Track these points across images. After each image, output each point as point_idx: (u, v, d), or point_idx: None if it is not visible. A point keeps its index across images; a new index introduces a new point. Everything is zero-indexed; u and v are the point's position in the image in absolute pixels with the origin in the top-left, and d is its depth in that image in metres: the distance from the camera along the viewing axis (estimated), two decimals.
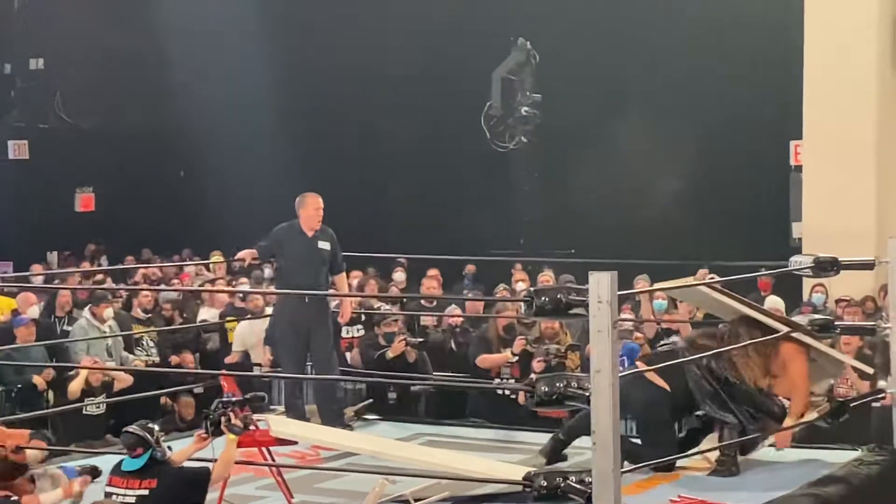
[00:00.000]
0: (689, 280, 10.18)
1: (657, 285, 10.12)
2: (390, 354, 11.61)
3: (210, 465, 7.04)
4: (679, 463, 8.59)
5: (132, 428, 6.99)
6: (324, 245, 10.39)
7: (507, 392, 10.65)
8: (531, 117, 19.03)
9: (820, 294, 13.90)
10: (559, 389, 6.41)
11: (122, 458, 7.04)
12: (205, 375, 12.32)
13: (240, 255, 11.09)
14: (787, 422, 8.75)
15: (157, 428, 7.03)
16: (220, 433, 7.13)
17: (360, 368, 11.51)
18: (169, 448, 7.12)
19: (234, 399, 7.26)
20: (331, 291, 10.58)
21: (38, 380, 12.26)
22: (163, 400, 12.51)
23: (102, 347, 13.07)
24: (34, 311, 13.55)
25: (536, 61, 19.19)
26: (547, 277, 14.21)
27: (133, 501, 6.79)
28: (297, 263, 10.30)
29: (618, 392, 6.12)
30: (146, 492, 6.78)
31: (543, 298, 6.52)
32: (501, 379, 10.94)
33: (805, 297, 14.12)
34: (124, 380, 12.06)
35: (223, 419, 7.11)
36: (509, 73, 19.20)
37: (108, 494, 6.93)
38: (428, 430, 10.19)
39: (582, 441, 9.42)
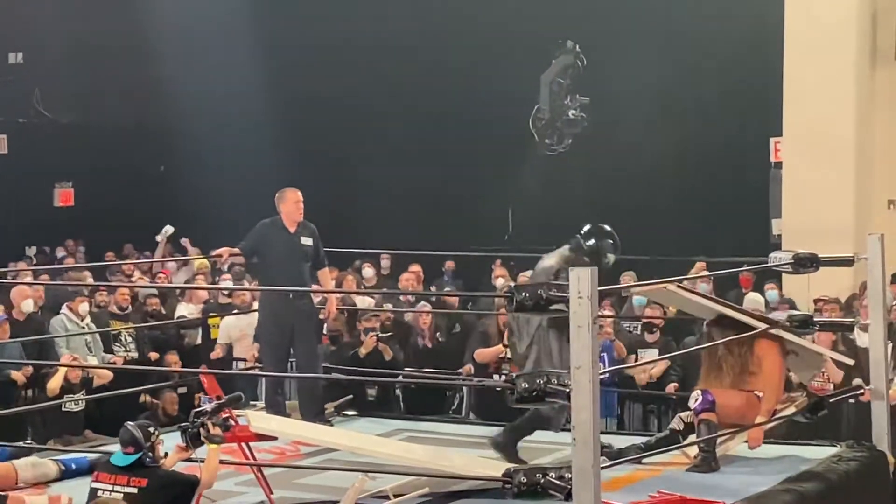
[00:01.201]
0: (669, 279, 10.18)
1: (632, 283, 10.11)
2: (363, 352, 11.70)
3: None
4: (659, 458, 8.63)
5: (131, 424, 6.95)
6: (306, 241, 10.36)
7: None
8: (579, 120, 18.99)
9: (772, 290, 14.01)
10: (539, 386, 6.40)
11: (112, 452, 7.00)
12: (186, 373, 12.33)
13: (218, 251, 11.03)
14: (760, 418, 8.78)
15: (156, 431, 6.98)
16: (201, 444, 7.09)
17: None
18: (165, 454, 7.08)
19: (209, 408, 7.18)
20: (314, 287, 10.58)
21: (16, 375, 12.24)
22: (142, 398, 12.50)
23: (82, 343, 13.07)
24: (29, 305, 13.49)
25: (584, 64, 19.16)
26: (526, 277, 14.23)
27: (120, 498, 6.72)
28: (279, 259, 10.25)
29: (598, 388, 6.12)
30: (135, 489, 6.73)
31: (524, 294, 6.53)
32: (501, 375, 10.98)
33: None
34: (104, 376, 12.01)
35: (202, 430, 7.07)
36: (558, 77, 19.17)
37: (93, 490, 6.85)
38: (407, 427, 10.18)
39: (561, 437, 9.53)
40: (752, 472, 8.63)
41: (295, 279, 10.14)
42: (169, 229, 17.25)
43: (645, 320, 12.39)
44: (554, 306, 6.50)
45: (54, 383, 11.71)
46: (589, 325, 6.14)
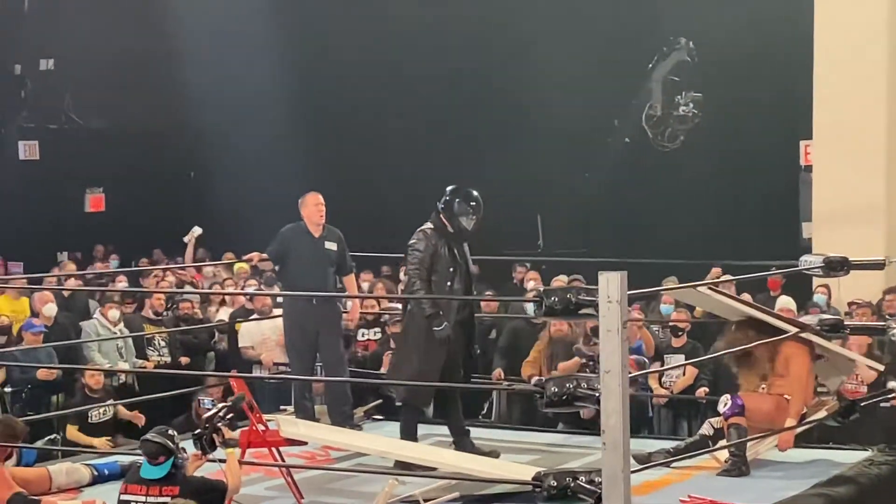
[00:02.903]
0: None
1: (666, 286, 10.07)
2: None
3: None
4: (689, 463, 8.61)
5: (152, 436, 6.97)
6: (330, 246, 10.34)
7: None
8: (690, 117, 18.94)
9: (822, 295, 13.88)
10: (569, 390, 6.39)
11: (134, 465, 7.02)
12: (216, 377, 12.37)
13: (249, 256, 11.07)
14: (789, 421, 8.76)
15: (175, 434, 7.02)
16: (215, 449, 7.11)
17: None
18: (184, 450, 7.11)
19: (219, 413, 7.19)
20: (337, 293, 10.57)
21: (42, 374, 12.29)
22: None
23: (113, 348, 13.14)
24: (51, 309, 13.57)
25: (696, 61, 19.10)
26: (560, 281, 14.24)
27: None
28: (304, 264, 10.24)
29: (627, 393, 6.11)
30: (167, 499, 6.76)
31: (553, 298, 6.52)
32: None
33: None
34: (137, 418, 11.96)
35: (216, 437, 7.09)
36: (671, 74, 19.12)
37: (124, 502, 6.89)
38: (437, 431, 10.13)
39: (592, 440, 9.53)
40: (782, 476, 8.61)
41: (319, 284, 10.12)
42: (197, 230, 17.31)
43: (672, 323, 12.32)
44: (583, 310, 6.49)
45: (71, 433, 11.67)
46: (618, 329, 6.13)
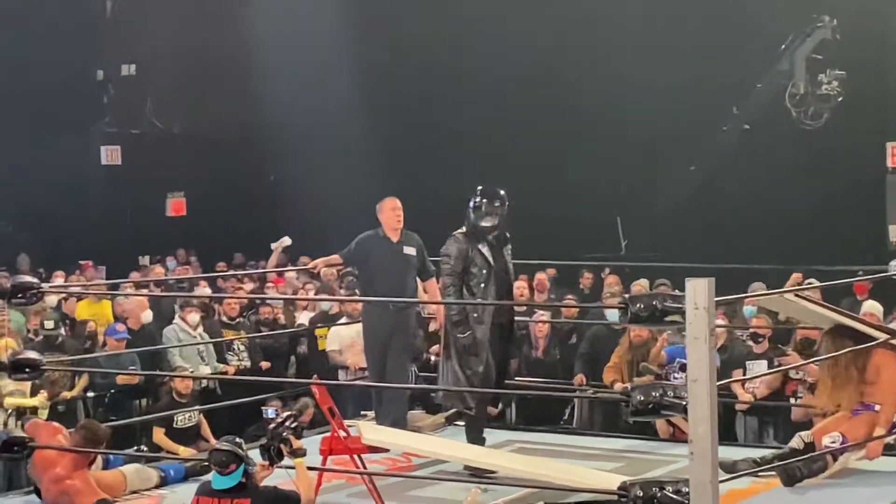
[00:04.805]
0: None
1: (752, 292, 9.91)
2: None
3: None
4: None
5: (222, 445, 6.94)
6: (409, 250, 10.26)
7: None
8: (833, 95, 18.72)
9: None
10: (655, 399, 6.29)
11: (204, 477, 6.99)
12: (296, 382, 12.35)
13: (313, 263, 11.05)
14: (878, 430, 8.60)
15: (243, 442, 6.99)
16: (282, 459, 7.07)
17: None
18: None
19: (284, 423, 7.15)
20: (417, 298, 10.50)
21: (123, 378, 12.37)
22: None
23: (194, 352, 13.19)
24: (148, 317, 13.68)
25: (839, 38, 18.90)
26: (641, 286, 14.11)
27: None
28: (382, 269, 10.17)
29: (716, 402, 5.99)
30: None
31: (639, 305, 6.42)
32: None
33: None
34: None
35: (283, 447, 7.05)
36: (813, 52, 18.93)
37: None
38: (518, 437, 10.09)
39: (676, 447, 9.42)
40: (870, 485, 8.46)
41: (398, 289, 10.02)
42: (286, 240, 17.31)
43: (753, 330, 12.13)
44: (669, 318, 6.39)
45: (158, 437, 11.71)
46: (706, 336, 6.01)
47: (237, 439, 7.03)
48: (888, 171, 16.64)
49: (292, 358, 14.56)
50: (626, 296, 6.52)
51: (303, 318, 14.71)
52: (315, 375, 13.18)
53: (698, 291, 6.02)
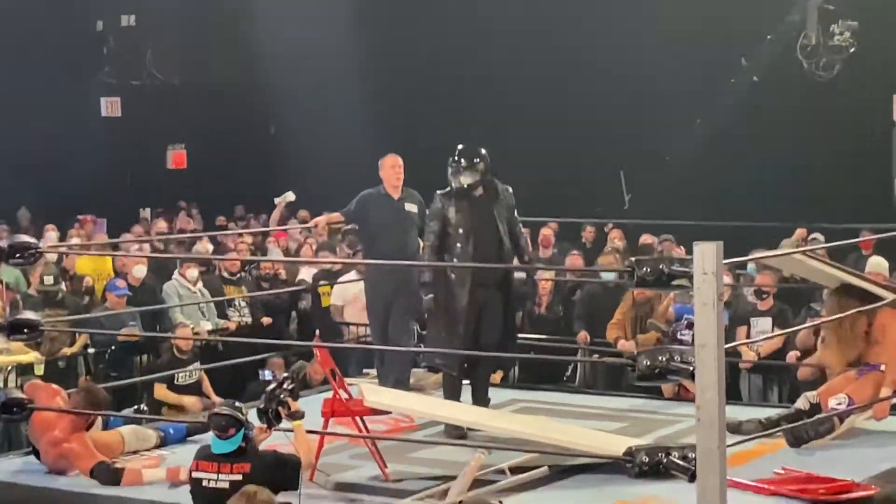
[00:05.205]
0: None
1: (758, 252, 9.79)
2: None
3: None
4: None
5: (222, 409, 6.86)
6: (410, 208, 10.15)
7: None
8: (846, 46, 18.52)
9: None
10: (661, 363, 6.21)
11: (204, 441, 6.91)
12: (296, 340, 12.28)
13: (314, 220, 10.94)
14: (885, 390, 8.52)
15: (243, 406, 6.91)
16: (280, 421, 7.00)
17: None
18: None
19: (283, 386, 7.06)
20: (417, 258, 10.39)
21: (125, 334, 12.31)
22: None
23: (195, 308, 13.11)
24: (141, 271, 13.59)
25: None
26: (648, 239, 14.03)
27: (227, 487, 6.58)
28: (383, 227, 10.08)
29: (724, 368, 5.91)
30: (239, 476, 6.60)
31: (645, 269, 6.31)
32: None
33: None
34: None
35: (282, 410, 6.97)
36: (825, 2, 18.73)
37: (196, 480, 6.77)
38: (522, 396, 10.01)
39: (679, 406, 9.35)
40: (878, 446, 8.40)
41: (400, 247, 9.92)
42: (290, 196, 17.18)
43: (758, 287, 12.03)
44: (676, 282, 6.30)
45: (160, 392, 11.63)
46: (714, 302, 5.92)
47: (236, 403, 6.96)
48: (895, 124, 16.48)
49: (293, 313, 14.48)
50: (633, 259, 6.42)
51: (304, 273, 14.61)
52: (317, 332, 13.12)
53: (706, 256, 5.93)
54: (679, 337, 11.26)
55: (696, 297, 5.94)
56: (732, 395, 10.77)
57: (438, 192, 9.34)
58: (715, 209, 16.58)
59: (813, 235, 14.56)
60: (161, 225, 18.55)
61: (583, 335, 12.07)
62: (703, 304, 5.93)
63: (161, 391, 11.44)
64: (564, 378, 12.40)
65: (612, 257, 13.00)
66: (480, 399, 9.23)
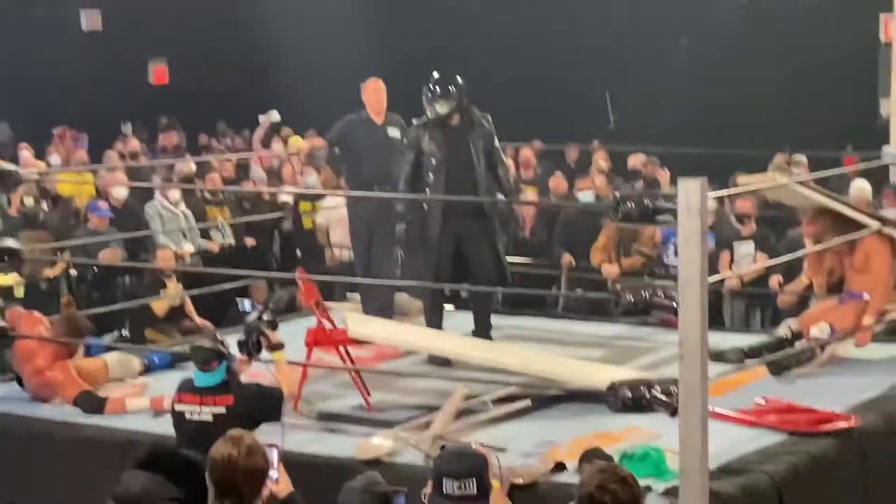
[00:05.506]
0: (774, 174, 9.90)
1: (742, 180, 9.73)
2: None
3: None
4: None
5: (202, 341, 6.83)
6: (393, 133, 10.07)
7: None
8: None
9: None
10: (645, 298, 6.22)
11: (189, 368, 6.89)
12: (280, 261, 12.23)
13: (298, 147, 10.87)
14: (867, 318, 8.52)
15: (225, 339, 6.88)
16: (259, 353, 6.99)
17: None
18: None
19: (262, 318, 7.03)
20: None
21: (106, 257, 12.27)
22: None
23: (177, 230, 13.07)
24: (122, 192, 13.52)
25: None
26: (636, 158, 14.02)
27: (210, 420, 6.57)
28: (366, 152, 10.01)
29: (707, 305, 5.89)
30: (223, 409, 6.57)
31: (629, 204, 6.31)
32: None
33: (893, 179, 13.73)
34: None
35: (262, 340, 6.95)
36: None
37: (179, 413, 6.75)
38: (506, 322, 9.97)
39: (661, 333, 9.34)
40: (860, 374, 8.37)
41: (384, 172, 9.81)
42: (275, 115, 17.09)
43: (738, 212, 12.00)
44: (660, 217, 6.28)
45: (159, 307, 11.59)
46: (698, 238, 5.89)
47: (218, 336, 6.93)
48: (881, 45, 16.38)
49: (276, 233, 14.44)
50: (617, 194, 6.40)
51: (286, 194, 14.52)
52: (298, 252, 13.13)
53: (691, 193, 5.89)
54: (665, 261, 11.27)
55: (679, 235, 5.92)
56: (716, 320, 10.93)
57: (414, 120, 9.27)
58: (700, 131, 16.58)
59: (797, 157, 14.56)
60: (134, 143, 18.40)
61: (566, 259, 12.07)
62: (687, 241, 5.91)
63: (150, 333, 11.44)
64: (547, 301, 12.41)
65: (591, 181, 13.02)
66: (482, 332, 9.21)
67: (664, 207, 6.19)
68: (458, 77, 9.12)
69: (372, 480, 5.18)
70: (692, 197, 5.89)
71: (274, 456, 4.84)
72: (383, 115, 10.13)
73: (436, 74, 9.14)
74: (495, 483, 4.91)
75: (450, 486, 4.62)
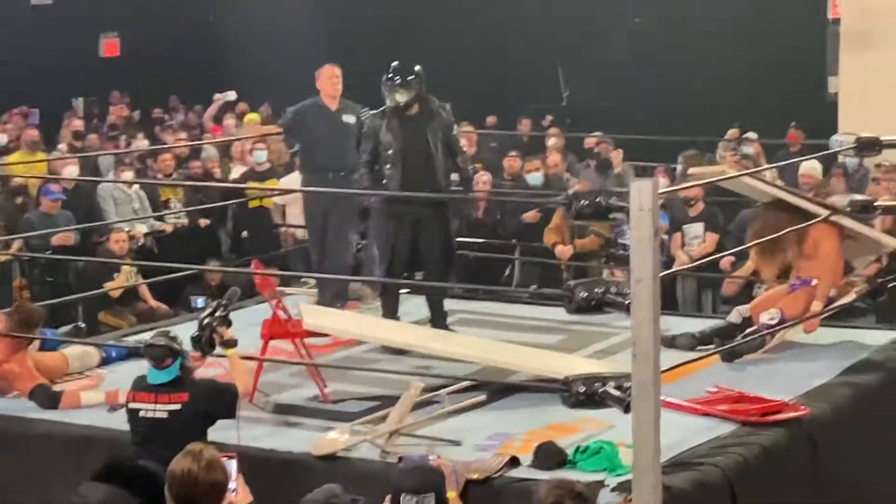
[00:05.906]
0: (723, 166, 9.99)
1: (692, 171, 9.81)
2: None
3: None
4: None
5: (156, 339, 6.84)
6: (348, 119, 10.10)
7: None
8: None
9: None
10: (597, 296, 6.30)
11: (141, 372, 6.90)
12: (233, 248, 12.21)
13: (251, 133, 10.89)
14: (816, 304, 8.62)
15: (178, 336, 6.91)
16: (213, 349, 7.02)
17: None
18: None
19: (216, 314, 7.04)
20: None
21: (59, 239, 12.23)
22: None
23: (130, 212, 13.04)
24: (72, 171, 13.46)
25: None
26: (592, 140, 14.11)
27: (165, 417, 6.61)
28: (320, 138, 10.04)
29: (659, 303, 5.97)
30: (178, 406, 6.60)
31: (582, 202, 6.38)
32: None
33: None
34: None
35: (215, 337, 6.98)
36: None
37: (133, 411, 6.75)
38: (461, 307, 9.99)
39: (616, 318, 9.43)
40: (810, 360, 8.50)
41: (338, 158, 9.88)
42: (231, 95, 17.02)
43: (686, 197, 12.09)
44: (613, 214, 6.36)
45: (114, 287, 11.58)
46: (650, 237, 5.96)
47: (171, 333, 6.94)
48: (829, 22, 16.47)
49: (229, 212, 14.40)
50: (570, 192, 6.48)
51: (237, 172, 14.51)
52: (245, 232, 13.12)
53: (643, 193, 5.95)
54: (620, 241, 11.32)
55: (632, 234, 5.98)
56: (669, 303, 11.02)
57: (371, 111, 9.29)
58: (652, 107, 16.68)
59: (746, 134, 14.69)
60: (77, 123, 18.28)
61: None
62: (639, 240, 5.98)
63: (105, 317, 11.42)
64: (501, 280, 12.46)
65: (542, 161, 13.12)
66: (437, 319, 9.25)
67: (617, 206, 6.26)
68: (417, 66, 9.14)
69: (331, 493, 5.24)
70: (644, 196, 5.95)
71: (233, 468, 4.88)
72: (338, 100, 10.15)
73: (395, 63, 9.14)
74: (451, 494, 4.98)
75: (408, 502, 4.69)
